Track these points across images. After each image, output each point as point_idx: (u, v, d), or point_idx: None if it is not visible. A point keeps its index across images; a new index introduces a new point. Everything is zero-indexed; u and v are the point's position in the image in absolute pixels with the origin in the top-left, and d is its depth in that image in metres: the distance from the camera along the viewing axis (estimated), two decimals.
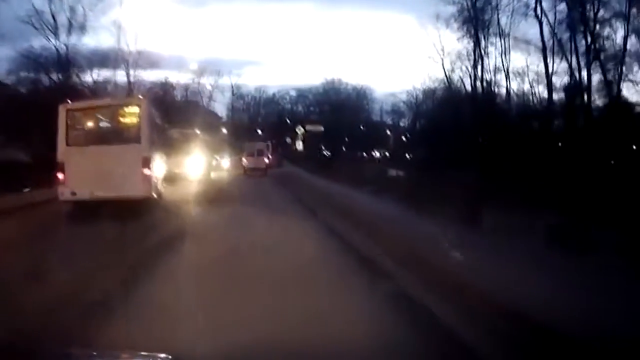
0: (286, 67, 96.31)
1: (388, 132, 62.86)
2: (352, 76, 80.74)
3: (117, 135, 13.76)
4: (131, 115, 13.91)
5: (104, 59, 37.82)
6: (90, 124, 14.05)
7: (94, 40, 39.33)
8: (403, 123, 62.75)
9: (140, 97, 15.82)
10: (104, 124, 14.14)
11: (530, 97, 38.31)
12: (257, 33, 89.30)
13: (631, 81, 32.32)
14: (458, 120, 37.64)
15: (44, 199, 15.68)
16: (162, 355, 2.69)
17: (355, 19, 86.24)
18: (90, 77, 37.27)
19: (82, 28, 35.08)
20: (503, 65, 37.87)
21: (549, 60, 34.70)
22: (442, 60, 40.85)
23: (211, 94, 56.25)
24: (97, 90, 35.63)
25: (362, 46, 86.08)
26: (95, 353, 2.88)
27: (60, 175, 13.05)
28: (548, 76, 34.68)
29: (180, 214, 13.86)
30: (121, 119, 14.04)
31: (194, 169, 24.37)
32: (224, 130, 57.06)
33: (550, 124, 35.55)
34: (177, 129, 25.23)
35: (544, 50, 34.64)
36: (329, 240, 10.45)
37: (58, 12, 34.86)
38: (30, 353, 2.99)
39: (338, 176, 25.74)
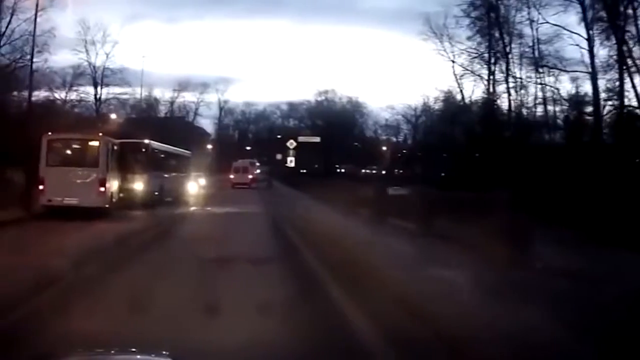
0: (275, 84, 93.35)
1: (384, 148, 59.74)
2: (345, 89, 77.59)
3: (82, 160, 18.61)
4: (93, 147, 18.72)
5: (78, 76, 38.29)
6: (63, 150, 18.84)
7: (68, 58, 38.50)
8: (400, 138, 59.89)
9: (100, 134, 20.06)
10: (73, 151, 18.97)
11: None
12: (241, 50, 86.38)
13: None
14: (469, 133, 34.04)
15: None
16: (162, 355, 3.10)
17: (345, 33, 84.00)
18: (64, 94, 36.66)
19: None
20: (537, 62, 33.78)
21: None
22: (453, 63, 37.09)
23: (197, 109, 53.10)
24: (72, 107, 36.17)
25: (353, 61, 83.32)
26: (95, 354, 2.96)
27: (41, 187, 17.75)
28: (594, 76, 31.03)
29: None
30: (86, 149, 18.83)
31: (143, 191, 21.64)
32: (209, 147, 53.84)
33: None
34: (127, 140, 22.02)
35: (589, 42, 31.01)
36: None
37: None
38: (34, 356, 3.80)
39: (335, 197, 22.89)
